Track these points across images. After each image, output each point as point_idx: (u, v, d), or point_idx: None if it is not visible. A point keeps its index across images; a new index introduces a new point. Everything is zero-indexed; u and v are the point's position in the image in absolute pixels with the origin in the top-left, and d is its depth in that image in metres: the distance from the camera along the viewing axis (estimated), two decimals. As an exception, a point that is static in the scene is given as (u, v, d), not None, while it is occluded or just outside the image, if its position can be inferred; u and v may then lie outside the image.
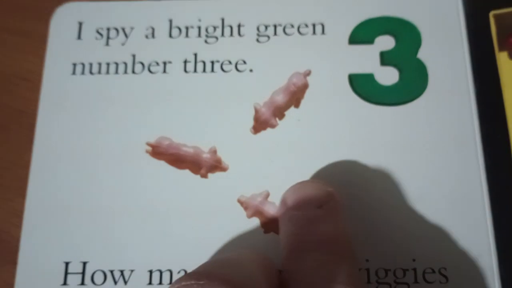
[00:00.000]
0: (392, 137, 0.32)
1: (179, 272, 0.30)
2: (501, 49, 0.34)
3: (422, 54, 0.33)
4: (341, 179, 0.31)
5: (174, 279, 0.30)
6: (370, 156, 0.31)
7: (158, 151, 0.33)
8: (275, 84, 0.33)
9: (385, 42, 0.34)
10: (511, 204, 0.31)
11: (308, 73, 0.33)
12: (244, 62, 0.34)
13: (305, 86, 0.33)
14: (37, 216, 0.31)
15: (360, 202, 0.31)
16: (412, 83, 0.33)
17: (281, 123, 0.33)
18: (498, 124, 0.32)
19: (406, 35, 0.34)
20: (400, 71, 0.33)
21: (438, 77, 0.33)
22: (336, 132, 0.32)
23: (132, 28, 0.35)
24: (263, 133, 0.32)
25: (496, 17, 0.34)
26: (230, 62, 0.34)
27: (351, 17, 0.34)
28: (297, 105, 0.33)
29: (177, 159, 0.32)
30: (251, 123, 0.32)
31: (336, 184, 0.30)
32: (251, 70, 0.34)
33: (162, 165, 0.32)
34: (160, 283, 0.30)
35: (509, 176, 0.31)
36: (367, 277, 0.29)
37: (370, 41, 0.34)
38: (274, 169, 0.31)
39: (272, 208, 0.31)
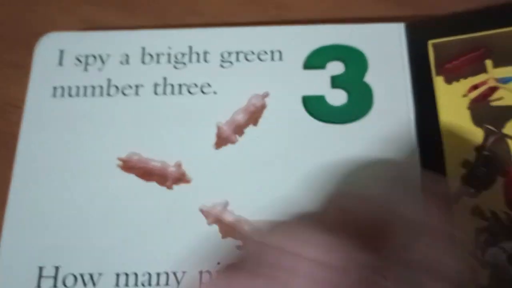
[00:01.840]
0: (340, 152, 0.35)
1: (143, 275, 0.33)
2: (438, 74, 0.37)
3: (368, 78, 0.37)
4: (295, 191, 0.34)
5: (139, 282, 0.33)
6: (321, 168, 0.34)
7: (128, 165, 0.36)
8: (236, 105, 0.36)
9: (336, 67, 0.37)
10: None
11: (266, 95, 0.37)
12: (209, 85, 0.37)
13: (263, 107, 0.37)
14: (15, 225, 0.34)
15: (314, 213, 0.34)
16: (358, 104, 0.36)
17: (241, 140, 0.36)
18: (435, 141, 0.35)
19: (354, 61, 0.37)
20: (348, 93, 0.36)
21: (382, 99, 0.36)
22: (290, 147, 0.35)
23: (108, 55, 0.38)
24: (224, 149, 0.35)
25: (434, 45, 0.37)
26: (196, 85, 0.37)
27: (306, 45, 0.38)
28: (255, 123, 0.37)
29: (146, 172, 0.35)
30: (214, 139, 0.36)
31: (289, 196, 0.33)
32: (215, 93, 0.37)
33: (132, 178, 0.35)
34: (126, 285, 0.33)
35: (442, 191, 0.34)
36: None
37: (322, 66, 0.37)
38: (233, 181, 0.34)
39: (230, 216, 0.35)
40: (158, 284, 0.32)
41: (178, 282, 0.32)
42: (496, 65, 0.36)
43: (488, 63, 0.36)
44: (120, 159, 0.35)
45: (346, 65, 0.37)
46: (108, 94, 0.37)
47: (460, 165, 0.34)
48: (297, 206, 0.33)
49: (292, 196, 0.33)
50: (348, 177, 0.34)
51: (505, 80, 0.36)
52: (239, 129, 0.36)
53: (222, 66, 0.37)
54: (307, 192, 0.34)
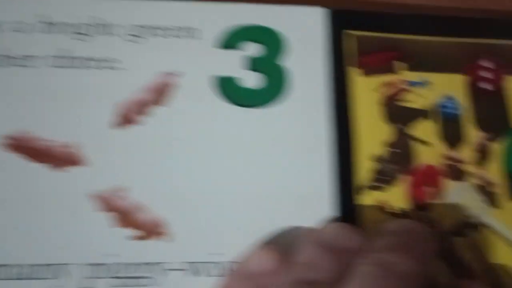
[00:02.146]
0: (252, 136, 0.33)
1: (27, 267, 0.29)
2: (355, 65, 0.36)
3: (285, 62, 0.35)
4: (201, 177, 0.32)
5: (24, 274, 0.29)
6: (232, 153, 0.32)
7: (16, 144, 0.32)
8: (144, 83, 0.34)
9: (253, 49, 0.36)
10: (352, 205, 0.34)
11: (175, 74, 0.35)
12: (116, 61, 0.34)
13: (171, 86, 0.35)
14: None
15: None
16: (274, 88, 0.34)
17: (146, 121, 0.33)
18: (347, 132, 0.34)
19: (272, 43, 0.35)
20: (265, 76, 0.35)
21: (298, 84, 0.35)
22: (199, 130, 0.33)
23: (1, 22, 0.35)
24: (126, 130, 0.33)
25: (354, 37, 0.36)
26: (101, 60, 0.34)
27: (223, 23, 0.35)
28: (162, 103, 0.34)
29: (36, 153, 0.32)
30: (113, 119, 0.33)
31: (192, 182, 0.32)
32: (121, 69, 0.34)
33: (20, 159, 0.31)
34: (7, 278, 0.29)
35: (350, 179, 0.33)
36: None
37: (239, 47, 0.35)
38: (134, 165, 0.32)
39: (125, 202, 0.33)
40: (43, 277, 0.30)
41: (64, 275, 0.29)
42: (408, 68, 0.36)
43: (402, 65, 0.35)
44: (6, 137, 0.32)
45: (264, 47, 0.35)
46: (0, 65, 0.34)
47: (370, 159, 0.33)
48: (201, 193, 0.32)
49: (197, 183, 0.32)
50: (258, 161, 0.33)
51: (413, 84, 0.36)
52: (142, 109, 0.33)
53: (131, 41, 0.34)
54: (215, 176, 0.33)
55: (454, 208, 0.33)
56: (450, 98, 0.36)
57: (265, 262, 0.27)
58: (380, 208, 0.32)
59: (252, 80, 0.35)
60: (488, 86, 0.37)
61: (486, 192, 0.34)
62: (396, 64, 0.36)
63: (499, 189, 0.34)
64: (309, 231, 0.29)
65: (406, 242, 0.27)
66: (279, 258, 0.26)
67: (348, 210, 0.32)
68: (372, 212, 0.33)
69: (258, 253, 0.28)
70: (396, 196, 0.33)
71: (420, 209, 0.33)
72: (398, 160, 0.34)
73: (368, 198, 0.33)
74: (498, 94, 0.37)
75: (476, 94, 0.36)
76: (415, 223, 0.29)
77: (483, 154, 0.35)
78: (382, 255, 0.25)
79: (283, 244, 0.29)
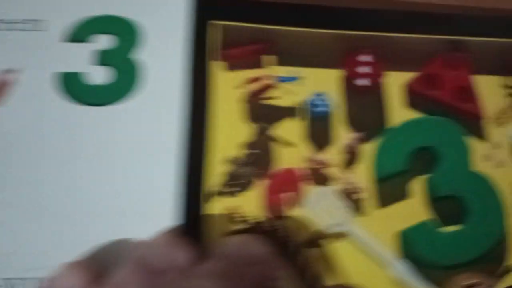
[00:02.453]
0: (96, 138, 0.30)
1: None
2: (217, 58, 0.33)
3: (140, 55, 0.32)
4: (26, 185, 0.29)
5: None
6: (76, 154, 0.30)
7: None
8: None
9: (105, 41, 0.33)
10: (199, 213, 0.31)
11: (12, 71, 0.32)
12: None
13: (7, 84, 0.32)
14: None
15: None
16: (124, 84, 0.32)
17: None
18: (202, 131, 0.31)
19: (126, 35, 0.32)
20: (115, 71, 0.32)
21: (152, 79, 0.32)
22: (39, 132, 0.30)
23: None
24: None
25: (217, 27, 0.33)
26: None
27: (71, 14, 0.33)
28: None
29: None
30: None
31: (14, 191, 0.29)
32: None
33: None
34: None
35: (199, 184, 0.31)
36: None
37: (89, 39, 0.32)
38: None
39: None
40: None
41: None
42: (278, 62, 0.33)
43: (270, 58, 0.33)
44: None
45: (117, 39, 0.32)
46: None
47: (224, 162, 0.31)
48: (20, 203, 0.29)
49: (20, 192, 0.29)
50: (106, 163, 0.31)
51: (283, 80, 0.33)
52: (-25, 109, 0.31)
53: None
54: (40, 186, 0.30)
55: (314, 216, 0.30)
56: (321, 95, 0.33)
57: (73, 282, 0.25)
58: (230, 217, 0.30)
59: (100, 75, 0.32)
60: (365, 83, 0.34)
61: (352, 198, 0.31)
62: (265, 58, 0.33)
63: (367, 195, 0.32)
64: (136, 246, 0.27)
65: (233, 269, 0.26)
66: (89, 278, 0.24)
67: (195, 219, 0.30)
68: (220, 221, 0.30)
69: (68, 271, 0.26)
70: (250, 202, 0.30)
71: (276, 218, 0.30)
72: (255, 163, 0.31)
73: (218, 205, 0.30)
74: (375, 91, 0.34)
75: (352, 91, 0.33)
76: (255, 244, 0.27)
77: (352, 157, 0.32)
78: (201, 281, 0.23)
79: (102, 261, 0.27)
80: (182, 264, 0.26)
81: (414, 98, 0.34)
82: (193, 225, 0.29)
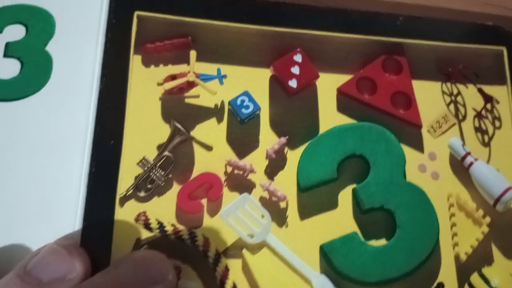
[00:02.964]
0: (4, 133, 0.28)
1: None
2: (137, 52, 0.31)
3: (52, 46, 0.30)
4: None
5: None
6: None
7: None
8: None
9: (15, 32, 0.30)
10: (104, 213, 0.28)
11: None
12: None
13: None
14: None
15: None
16: (33, 77, 0.29)
17: None
18: (115, 132, 0.29)
19: (39, 25, 0.30)
20: (23, 64, 0.29)
21: (63, 72, 0.29)
22: None
23: None
24: None
25: (140, 18, 0.31)
26: None
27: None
28: None
29: None
30: None
31: None
32: None
33: None
34: None
35: (108, 187, 0.28)
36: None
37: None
38: None
39: None
40: None
41: None
42: (200, 58, 0.30)
43: (193, 54, 0.30)
44: None
45: (28, 30, 0.30)
46: None
47: (137, 164, 0.28)
48: None
49: None
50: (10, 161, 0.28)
51: (205, 78, 0.30)
52: None
53: None
54: None
55: (231, 225, 0.28)
56: (245, 96, 0.30)
57: None
58: (140, 223, 0.27)
59: (8, 69, 0.29)
60: (295, 84, 0.31)
61: (273, 207, 0.29)
62: (186, 53, 0.30)
63: (289, 205, 0.29)
64: (28, 255, 0.25)
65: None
66: None
67: (100, 225, 0.27)
68: (129, 228, 0.28)
69: None
70: (162, 208, 0.28)
71: (190, 226, 0.28)
72: (169, 166, 0.29)
73: (128, 210, 0.27)
74: (305, 94, 0.31)
75: (279, 92, 0.31)
76: (155, 263, 0.24)
77: (276, 163, 0.30)
78: None
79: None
80: (71, 278, 0.24)
81: (346, 102, 0.32)
82: (98, 232, 0.27)
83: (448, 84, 0.34)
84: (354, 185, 0.31)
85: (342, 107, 0.32)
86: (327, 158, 0.30)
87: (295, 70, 0.31)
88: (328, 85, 0.32)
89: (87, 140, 0.28)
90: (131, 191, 0.28)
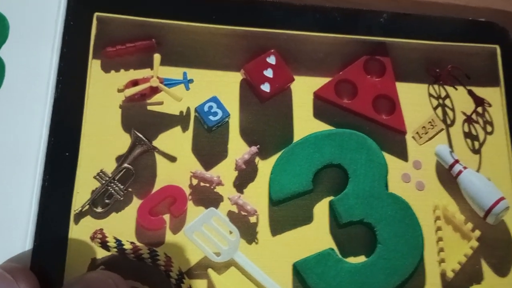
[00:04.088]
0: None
1: None
2: (96, 56, 0.29)
3: (5, 51, 0.28)
4: None
5: None
6: None
7: None
8: None
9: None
10: (57, 226, 0.25)
11: None
12: None
13: None
14: None
15: None
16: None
17: None
18: (71, 142, 0.27)
19: (-10, 28, 0.30)
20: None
21: (16, 78, 0.27)
22: None
23: None
24: None
25: (100, 20, 0.29)
26: None
27: None
28: None
29: None
30: None
31: None
32: None
33: None
34: None
35: (66, 197, 0.26)
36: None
37: None
38: None
39: None
40: None
41: None
42: (165, 62, 0.28)
43: (157, 57, 0.28)
44: None
45: (-21, 33, 0.29)
46: None
47: (94, 177, 0.26)
48: None
49: None
50: None
51: (170, 83, 0.28)
52: None
53: None
54: None
55: (196, 243, 0.25)
56: (213, 102, 0.28)
57: None
58: (96, 241, 0.25)
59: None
60: (268, 89, 0.28)
61: (241, 223, 0.27)
62: (149, 56, 0.28)
63: (258, 220, 0.27)
64: None
65: None
66: None
67: (51, 243, 0.25)
68: (80, 246, 0.26)
69: None
70: (121, 224, 0.26)
71: (151, 244, 0.26)
72: (129, 178, 0.26)
73: (81, 227, 0.25)
74: (278, 98, 0.29)
75: (250, 97, 0.29)
76: (104, 284, 0.23)
77: (246, 174, 0.28)
78: None
79: None
80: None
81: (324, 107, 0.30)
82: (50, 252, 0.25)
83: (436, 87, 0.32)
84: (331, 197, 0.28)
85: (319, 113, 0.30)
86: (302, 169, 0.28)
87: (268, 73, 0.29)
88: (304, 89, 0.30)
89: (40, 152, 0.27)
90: (87, 206, 0.26)
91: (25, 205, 0.26)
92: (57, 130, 0.27)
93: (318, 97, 0.30)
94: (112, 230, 0.26)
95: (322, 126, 0.29)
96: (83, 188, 0.26)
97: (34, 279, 0.24)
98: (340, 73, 0.30)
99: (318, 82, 0.30)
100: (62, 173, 0.26)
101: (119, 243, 0.26)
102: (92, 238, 0.26)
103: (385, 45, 0.31)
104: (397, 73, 0.30)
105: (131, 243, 0.26)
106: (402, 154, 0.30)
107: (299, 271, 0.27)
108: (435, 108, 0.31)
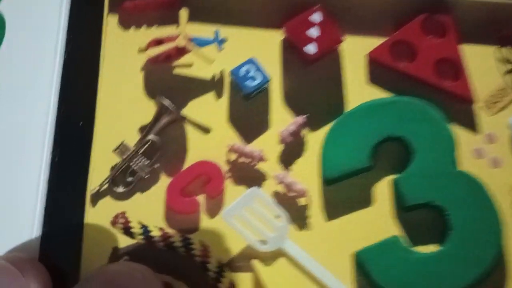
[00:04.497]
0: None
1: None
2: (112, 10, 0.25)
3: (4, 6, 0.25)
4: None
5: None
6: None
7: None
8: None
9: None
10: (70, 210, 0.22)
11: None
12: None
13: None
14: None
15: None
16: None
17: None
18: (85, 106, 0.23)
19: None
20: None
21: (18, 36, 0.24)
22: None
23: None
24: None
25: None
26: None
27: None
28: None
29: None
30: None
31: None
32: None
33: None
34: None
35: (81, 175, 0.22)
36: None
37: None
38: None
39: None
40: None
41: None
42: (193, 18, 0.25)
43: (183, 13, 0.25)
44: None
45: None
46: None
47: (113, 151, 0.23)
48: None
49: None
50: None
51: (200, 42, 0.25)
52: None
53: None
54: None
55: (237, 229, 0.22)
56: (251, 65, 0.25)
57: None
58: (117, 227, 0.21)
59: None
60: (314, 50, 0.25)
61: (290, 205, 0.23)
62: (176, 12, 0.25)
63: (310, 202, 0.23)
64: None
65: None
66: None
67: (64, 230, 0.22)
68: (99, 233, 0.22)
69: None
70: (146, 207, 0.23)
71: (184, 231, 0.22)
72: (154, 153, 0.23)
73: (100, 210, 0.22)
74: (326, 62, 0.25)
75: (295, 60, 0.25)
76: (129, 280, 0.19)
77: (292, 149, 0.24)
78: None
79: None
80: None
81: (379, 72, 0.26)
82: (63, 240, 0.22)
83: (505, 50, 0.29)
84: (392, 176, 0.25)
85: (374, 78, 0.26)
86: (358, 142, 0.24)
87: (314, 32, 0.26)
88: (356, 50, 0.26)
89: (48, 123, 0.24)
90: (105, 186, 0.23)
91: (32, 185, 0.23)
92: (68, 96, 0.24)
93: (372, 59, 0.26)
94: (136, 213, 0.23)
95: (377, 93, 0.26)
96: (101, 164, 0.23)
97: (44, 272, 0.21)
98: (396, 32, 0.26)
99: (371, 43, 0.26)
100: (75, 147, 0.23)
101: (145, 229, 0.23)
102: (113, 223, 0.23)
103: (445, 2, 0.27)
104: (460, 34, 0.26)
105: (160, 229, 0.23)
106: (471, 126, 0.25)
107: (361, 261, 0.23)
108: (505, 74, 0.28)
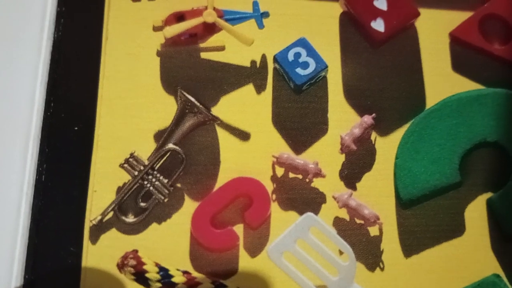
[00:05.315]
0: None
1: None
2: None
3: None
4: None
5: None
6: None
7: None
8: None
9: None
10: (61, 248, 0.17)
11: None
12: None
13: None
14: None
15: None
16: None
17: None
18: (82, 103, 0.18)
19: None
20: None
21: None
22: None
23: None
24: None
25: None
26: None
27: None
28: None
29: None
30: None
31: None
32: None
33: None
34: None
35: (75, 196, 0.17)
36: None
37: None
38: None
39: None
40: None
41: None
42: None
43: None
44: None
45: None
46: None
47: (120, 165, 0.17)
48: None
49: None
50: None
51: (233, 17, 0.19)
52: None
53: None
54: None
55: (287, 270, 0.16)
56: (305, 47, 0.20)
57: None
58: (121, 271, 0.16)
59: None
60: (382, 27, 0.21)
61: (359, 235, 0.18)
62: None
63: (384, 231, 0.18)
64: None
65: None
66: None
67: (53, 275, 0.17)
68: (100, 279, 0.18)
69: None
70: (163, 243, 0.18)
71: (211, 272, 0.17)
72: (176, 167, 0.18)
73: (102, 248, 0.17)
74: (397, 42, 0.20)
75: (360, 41, 0.20)
76: None
77: (359, 159, 0.19)
78: None
79: None
80: None
81: (465, 55, 0.21)
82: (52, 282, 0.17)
83: None
84: (488, 194, 0.19)
85: (459, 64, 0.21)
86: (443, 150, 0.19)
87: (381, 4, 0.21)
88: (435, 28, 0.21)
89: (32, 126, 0.18)
90: (110, 214, 0.18)
91: (11, 211, 0.17)
92: (58, 90, 0.19)
93: (456, 40, 0.21)
94: (152, 252, 0.18)
95: (464, 84, 0.20)
96: (104, 183, 0.18)
97: None
98: (485, 5, 0.21)
99: (455, 18, 0.21)
100: (68, 159, 0.18)
101: (164, 273, 0.18)
102: (121, 266, 0.17)
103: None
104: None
105: (184, 272, 0.17)
106: None
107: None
108: None
